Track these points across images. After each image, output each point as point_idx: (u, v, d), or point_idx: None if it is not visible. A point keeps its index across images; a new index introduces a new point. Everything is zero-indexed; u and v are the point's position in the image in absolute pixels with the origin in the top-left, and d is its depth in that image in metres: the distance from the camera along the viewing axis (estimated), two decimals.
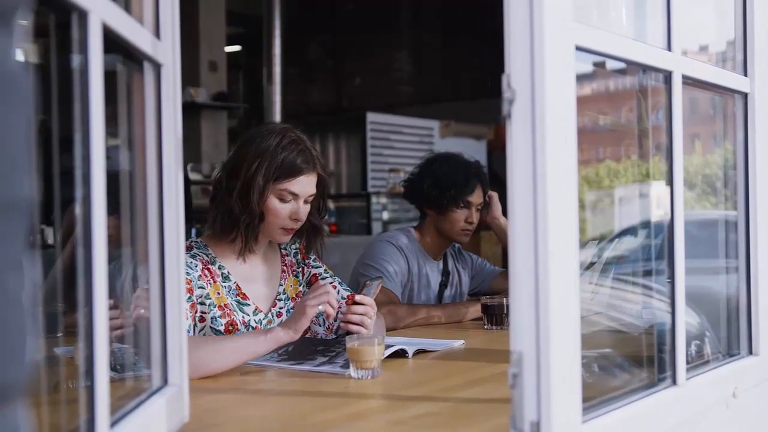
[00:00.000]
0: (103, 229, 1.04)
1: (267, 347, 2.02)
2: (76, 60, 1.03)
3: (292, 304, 2.38)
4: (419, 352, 2.22)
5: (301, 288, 2.43)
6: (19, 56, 0.60)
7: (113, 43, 1.13)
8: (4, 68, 0.57)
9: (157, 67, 1.37)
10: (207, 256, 2.26)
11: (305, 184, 2.25)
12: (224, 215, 2.24)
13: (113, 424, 1.11)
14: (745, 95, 1.85)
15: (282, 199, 2.23)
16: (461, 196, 3.02)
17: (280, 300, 2.37)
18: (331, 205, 7.64)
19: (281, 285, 2.39)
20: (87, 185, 1.03)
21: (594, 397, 1.34)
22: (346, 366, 1.94)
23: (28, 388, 0.60)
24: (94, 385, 1.02)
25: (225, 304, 2.22)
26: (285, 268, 2.42)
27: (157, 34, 1.37)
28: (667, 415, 1.51)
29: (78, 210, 1.03)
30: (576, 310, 1.23)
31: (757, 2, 1.82)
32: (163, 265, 1.40)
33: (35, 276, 0.62)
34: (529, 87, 1.19)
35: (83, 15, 1.01)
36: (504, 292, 2.99)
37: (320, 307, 2.01)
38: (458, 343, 2.39)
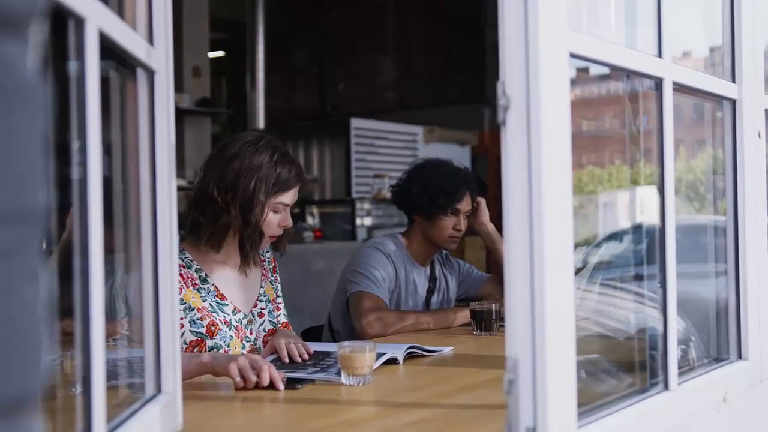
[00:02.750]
0: (100, 236, 1.04)
1: (194, 374, 1.97)
2: (72, 66, 1.03)
3: (272, 306, 2.47)
4: (411, 356, 2.22)
5: (275, 294, 2.52)
6: (34, 65, 0.60)
7: (107, 49, 1.13)
8: (19, 77, 0.57)
9: (150, 73, 1.36)
10: (182, 260, 2.29)
11: (295, 194, 2.36)
12: (221, 230, 2.28)
13: None
14: (733, 101, 1.86)
15: (275, 211, 2.32)
16: (450, 204, 3.02)
17: (261, 301, 2.44)
18: (315, 210, 7.62)
19: (262, 287, 2.46)
20: (83, 191, 1.02)
21: (588, 403, 1.35)
22: (339, 374, 1.94)
23: (43, 397, 0.59)
24: (90, 393, 1.01)
25: (203, 306, 2.27)
26: (264, 271, 2.50)
27: (150, 41, 1.37)
28: (660, 419, 1.52)
29: (74, 217, 1.03)
30: (571, 315, 1.24)
31: (744, 9, 1.84)
32: (156, 272, 1.39)
33: (50, 285, 0.62)
34: (524, 94, 1.19)
35: (80, 22, 1.01)
36: (491, 297, 3.00)
37: (237, 379, 1.86)
38: (448, 350, 2.40)
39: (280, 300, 2.55)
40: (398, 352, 2.19)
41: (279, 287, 2.56)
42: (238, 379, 1.86)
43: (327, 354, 2.23)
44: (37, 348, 0.58)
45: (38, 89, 0.59)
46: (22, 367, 0.56)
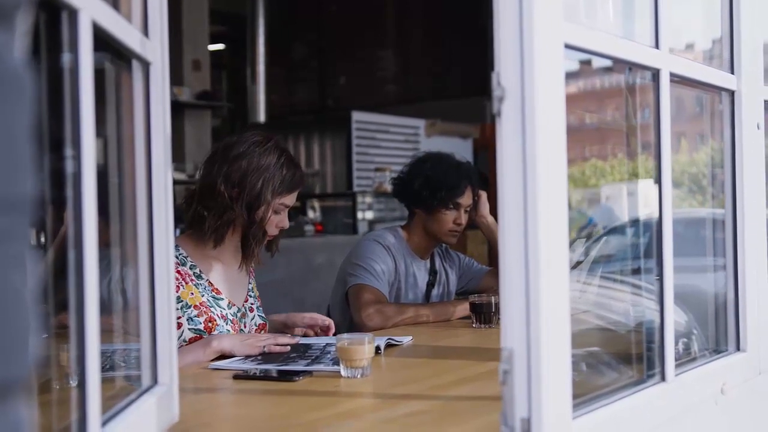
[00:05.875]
0: (94, 229, 1.04)
1: (208, 358, 2.14)
2: (65, 58, 1.03)
3: (258, 303, 2.53)
4: (411, 349, 2.24)
5: (257, 291, 2.57)
6: (21, 54, 0.60)
7: (101, 41, 1.13)
8: (6, 66, 0.57)
9: (145, 65, 1.36)
10: (177, 257, 2.30)
11: (295, 197, 2.42)
12: (225, 225, 2.32)
13: (104, 423, 1.10)
14: (731, 93, 1.86)
15: (276, 212, 2.37)
16: (451, 198, 3.02)
17: (251, 296, 2.50)
18: (316, 204, 7.62)
19: (250, 283, 2.52)
20: (77, 185, 1.02)
21: (584, 394, 1.35)
22: (336, 363, 1.94)
23: (30, 385, 0.60)
24: (85, 384, 1.01)
25: (201, 303, 2.31)
26: (251, 270, 2.55)
27: (145, 32, 1.36)
28: (657, 410, 1.52)
29: (68, 211, 1.03)
30: (566, 306, 1.24)
31: (743, 0, 1.83)
32: (152, 265, 1.39)
33: (38, 273, 0.62)
34: (519, 85, 1.19)
35: (73, 13, 1.01)
36: (491, 290, 3.00)
37: (265, 349, 2.18)
38: (407, 339, 2.43)
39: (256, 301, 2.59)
40: (380, 341, 2.21)
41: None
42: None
43: (309, 346, 2.25)
44: (25, 334, 0.58)
45: (25, 78, 0.59)
46: (9, 352, 0.56)
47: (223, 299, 2.36)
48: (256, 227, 2.32)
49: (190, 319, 2.26)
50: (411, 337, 2.46)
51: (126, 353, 1.50)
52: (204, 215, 2.30)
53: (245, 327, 2.42)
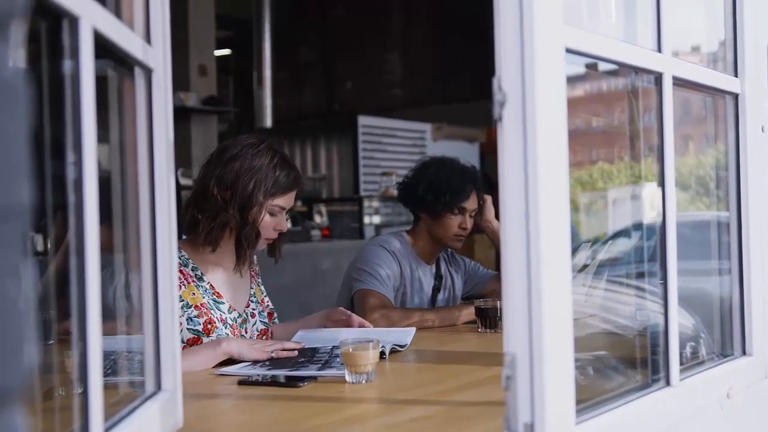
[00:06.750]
0: (96, 235, 1.04)
1: (218, 361, 2.14)
2: (66, 65, 1.03)
3: (261, 308, 2.52)
4: (393, 352, 2.27)
5: (262, 295, 2.56)
6: (16, 63, 0.60)
7: (103, 48, 1.13)
8: (2, 75, 0.57)
9: (148, 72, 1.37)
10: (179, 258, 2.31)
11: (291, 199, 2.41)
12: (219, 228, 2.32)
13: (107, 430, 1.10)
14: (735, 96, 1.85)
15: (272, 214, 2.36)
16: (456, 203, 3.01)
17: (252, 302, 2.49)
18: (322, 209, 7.62)
19: (252, 288, 2.51)
20: (79, 191, 1.02)
21: (588, 399, 1.34)
22: (342, 368, 1.94)
23: (26, 393, 0.60)
24: (88, 391, 1.02)
25: (201, 304, 2.31)
26: (253, 274, 2.55)
27: (147, 39, 1.37)
28: (661, 415, 1.51)
29: (70, 217, 1.03)
30: (569, 311, 1.23)
31: (747, 3, 1.83)
32: (155, 271, 1.39)
33: (33, 282, 0.62)
34: (520, 89, 1.19)
35: (74, 21, 1.01)
36: (497, 294, 2.99)
37: (273, 354, 2.17)
38: (410, 334, 2.45)
39: (267, 300, 2.59)
40: (401, 336, 2.24)
41: (263, 288, 2.61)
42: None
43: (316, 350, 2.25)
44: (19, 343, 0.58)
45: (20, 88, 0.59)
46: (4, 362, 0.56)
47: (224, 303, 2.37)
48: (249, 228, 2.32)
49: (189, 319, 2.27)
50: (414, 329, 2.48)
51: (130, 357, 1.50)
52: (198, 218, 2.31)
53: (246, 333, 2.42)
